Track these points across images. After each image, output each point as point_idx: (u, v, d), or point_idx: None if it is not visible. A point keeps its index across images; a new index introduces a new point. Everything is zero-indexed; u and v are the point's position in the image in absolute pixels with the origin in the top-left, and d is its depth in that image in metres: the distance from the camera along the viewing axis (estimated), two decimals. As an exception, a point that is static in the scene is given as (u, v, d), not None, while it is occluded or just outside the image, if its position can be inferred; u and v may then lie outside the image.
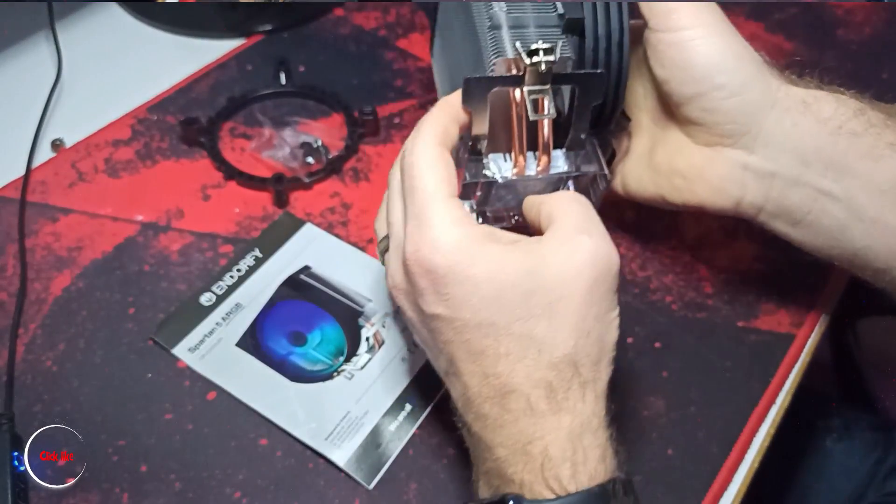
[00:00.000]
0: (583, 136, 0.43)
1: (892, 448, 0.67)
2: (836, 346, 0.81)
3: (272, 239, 0.56)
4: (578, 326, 0.36)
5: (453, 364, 0.37)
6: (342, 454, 0.46)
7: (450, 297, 0.36)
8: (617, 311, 0.38)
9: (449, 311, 0.36)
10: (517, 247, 0.37)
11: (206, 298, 0.53)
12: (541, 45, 0.39)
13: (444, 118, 0.39)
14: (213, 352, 0.50)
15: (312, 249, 0.56)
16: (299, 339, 0.51)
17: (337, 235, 0.57)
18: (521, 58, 0.39)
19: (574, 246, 0.36)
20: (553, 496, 0.35)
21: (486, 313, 0.36)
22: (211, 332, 0.51)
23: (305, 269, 0.55)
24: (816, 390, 0.61)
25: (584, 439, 0.36)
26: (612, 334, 0.38)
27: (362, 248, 0.56)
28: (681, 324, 0.52)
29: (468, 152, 0.42)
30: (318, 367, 0.50)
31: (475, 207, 0.45)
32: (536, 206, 0.40)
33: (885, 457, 0.67)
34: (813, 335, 0.52)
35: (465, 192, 0.42)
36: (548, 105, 0.40)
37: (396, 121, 0.65)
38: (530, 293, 0.36)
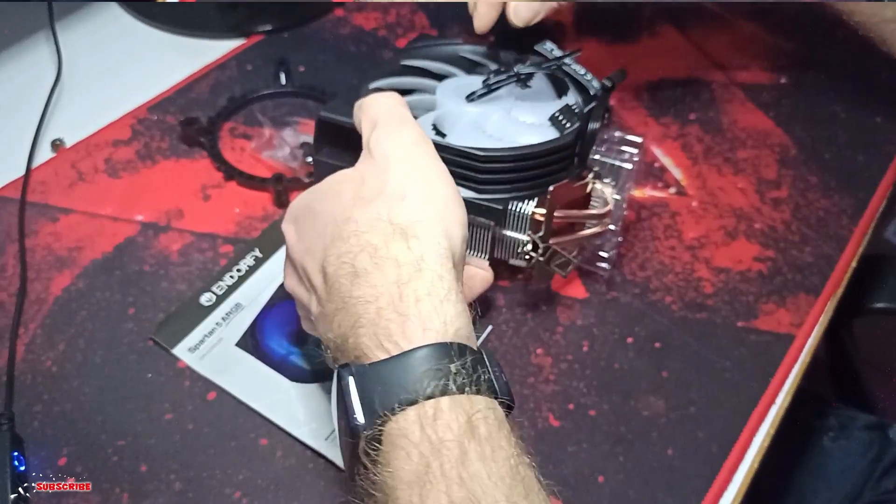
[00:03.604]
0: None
1: (888, 447, 0.68)
2: (833, 345, 0.81)
3: (272, 239, 0.56)
4: (387, 193, 0.38)
5: (314, 260, 0.38)
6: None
7: (311, 210, 0.40)
8: (443, 178, 0.40)
9: (309, 219, 0.40)
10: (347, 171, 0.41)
11: (206, 298, 0.53)
12: None
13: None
14: (213, 352, 0.50)
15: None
16: (299, 340, 0.51)
17: (337, 235, 0.57)
18: None
19: (385, 148, 0.40)
20: (387, 356, 0.33)
21: (347, 209, 0.38)
22: (211, 332, 0.51)
23: (305, 269, 0.55)
24: (813, 390, 0.61)
25: (414, 287, 0.34)
26: (437, 194, 0.39)
27: (362, 248, 0.56)
28: (681, 324, 0.52)
29: None
30: (318, 368, 0.50)
31: None
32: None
33: (881, 456, 0.67)
34: (813, 335, 0.52)
35: None
36: None
37: (396, 121, 0.65)
38: (348, 191, 0.39)
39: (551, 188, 0.47)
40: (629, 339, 0.52)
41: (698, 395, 0.49)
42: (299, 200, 0.41)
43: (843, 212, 0.59)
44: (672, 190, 0.61)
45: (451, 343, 0.33)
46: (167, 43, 0.72)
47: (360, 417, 0.33)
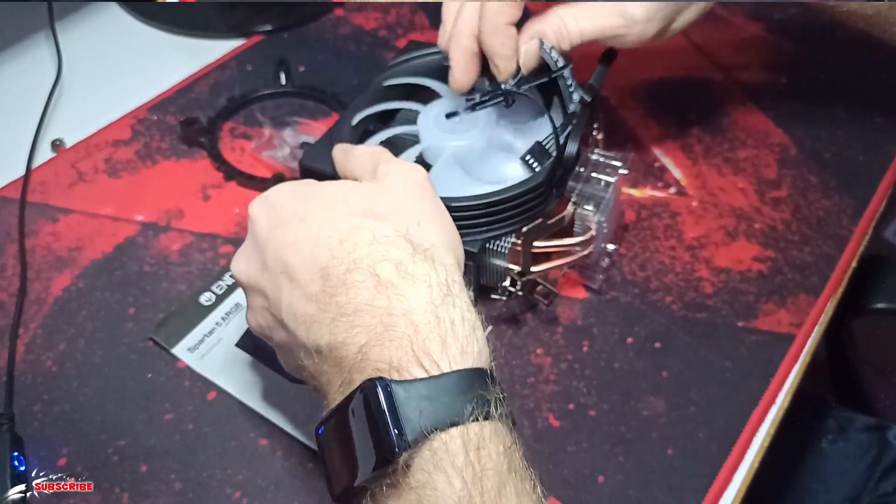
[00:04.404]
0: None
1: (886, 449, 0.68)
2: (833, 345, 0.81)
3: (272, 239, 0.56)
4: (406, 217, 0.38)
5: (291, 282, 0.36)
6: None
7: (295, 213, 0.39)
8: (447, 215, 0.40)
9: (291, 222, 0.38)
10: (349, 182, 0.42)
11: (205, 298, 0.53)
12: None
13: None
14: (213, 352, 0.50)
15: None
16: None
17: (337, 235, 0.57)
18: None
19: (397, 173, 0.40)
20: (425, 374, 0.32)
21: (348, 219, 0.37)
22: (211, 332, 0.51)
23: (305, 269, 0.55)
24: (812, 391, 0.61)
25: (449, 310, 0.34)
26: (447, 225, 0.39)
27: (362, 248, 0.56)
28: (681, 324, 0.52)
29: None
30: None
31: None
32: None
33: (879, 458, 0.67)
34: (812, 335, 0.52)
35: None
36: None
37: (396, 121, 0.65)
38: (353, 199, 0.39)
39: (524, 230, 0.47)
40: (629, 339, 0.52)
41: (698, 395, 0.49)
42: (283, 189, 0.41)
43: (843, 212, 0.59)
44: (672, 190, 0.61)
45: (488, 370, 0.33)
46: (167, 43, 0.72)
47: (407, 434, 0.31)
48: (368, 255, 0.35)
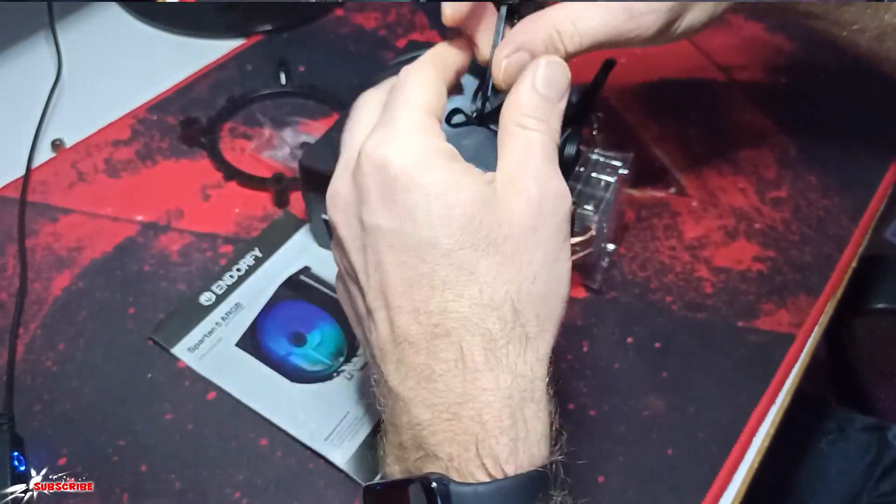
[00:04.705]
0: None
1: (886, 449, 0.67)
2: (833, 345, 0.81)
3: (272, 239, 0.56)
4: (523, 269, 0.33)
5: (381, 294, 0.33)
6: (342, 454, 0.46)
7: (396, 203, 0.32)
8: (568, 263, 0.34)
9: (391, 220, 0.32)
10: (474, 173, 0.34)
11: (205, 298, 0.53)
12: None
13: (447, 54, 0.39)
14: (213, 352, 0.50)
15: (312, 250, 0.56)
16: (299, 340, 0.51)
17: (337, 235, 0.57)
18: None
19: (518, 188, 0.33)
20: (488, 478, 0.30)
21: (429, 231, 0.32)
22: (211, 332, 0.51)
23: (305, 270, 0.55)
24: (812, 392, 0.61)
25: (526, 408, 0.31)
26: (561, 285, 0.34)
27: (362, 248, 0.56)
28: (681, 324, 0.52)
29: None
30: (317, 368, 0.50)
31: None
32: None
33: (879, 458, 0.67)
34: (813, 335, 0.52)
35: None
36: None
37: (396, 121, 0.65)
38: (479, 222, 0.32)
39: None
40: (629, 339, 0.52)
41: (698, 395, 0.49)
42: (398, 172, 0.32)
43: (843, 212, 0.59)
44: (672, 190, 0.61)
45: (552, 470, 0.32)
46: (167, 43, 0.72)
47: None
48: (462, 322, 0.32)
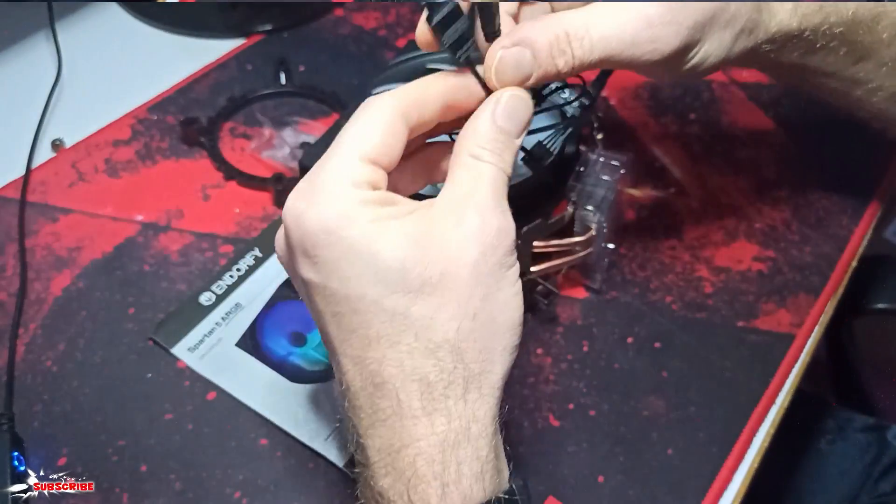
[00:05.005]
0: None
1: (885, 449, 0.67)
2: (833, 345, 0.81)
3: (272, 239, 0.56)
4: (462, 306, 0.32)
5: (328, 341, 0.34)
6: (342, 454, 0.46)
7: (319, 259, 0.32)
8: (514, 290, 0.33)
9: (319, 277, 0.32)
10: (407, 214, 0.33)
11: (205, 298, 0.53)
12: None
13: (417, 93, 0.35)
14: (213, 352, 0.50)
15: (312, 249, 0.56)
16: (299, 340, 0.51)
17: (337, 235, 0.57)
18: None
19: (458, 218, 0.32)
20: None
21: (357, 283, 0.31)
22: (210, 332, 0.51)
23: (305, 269, 0.55)
24: (811, 392, 0.61)
25: (460, 450, 0.31)
26: (508, 316, 0.33)
27: (362, 248, 0.56)
28: (681, 324, 0.52)
29: None
30: (317, 368, 0.50)
31: None
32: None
33: (878, 458, 0.67)
34: (813, 335, 0.52)
35: None
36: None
37: (396, 121, 0.65)
38: (409, 265, 0.31)
39: (523, 230, 0.46)
40: (629, 339, 0.52)
41: (698, 395, 0.49)
42: (316, 229, 0.32)
43: (843, 212, 0.59)
44: (672, 190, 0.61)
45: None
46: (167, 43, 0.72)
47: None
48: (399, 369, 0.32)
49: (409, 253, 0.31)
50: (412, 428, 0.31)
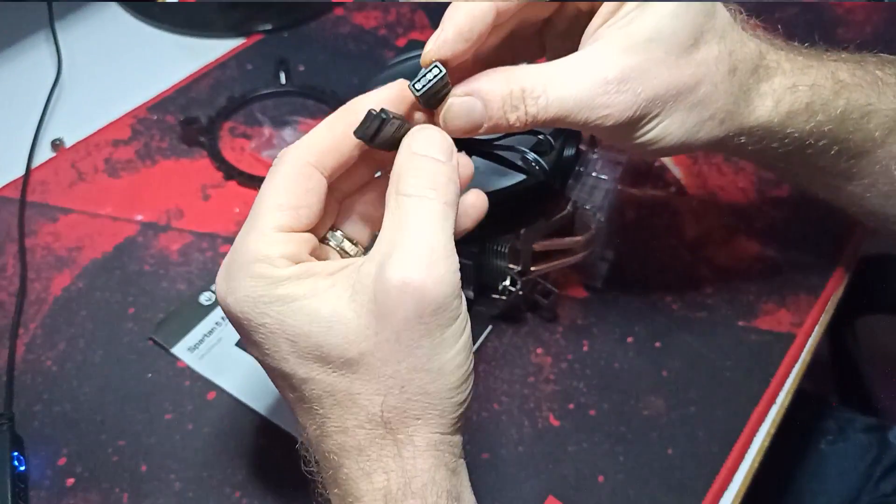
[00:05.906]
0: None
1: (886, 450, 0.67)
2: (834, 345, 0.81)
3: (272, 239, 0.56)
4: (384, 383, 0.31)
5: (285, 400, 0.35)
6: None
7: (250, 339, 0.33)
8: (453, 351, 0.32)
9: (256, 352, 0.33)
10: (327, 289, 0.32)
11: (205, 298, 0.53)
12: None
13: (326, 136, 0.34)
14: (213, 351, 0.50)
15: (312, 249, 0.56)
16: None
17: (337, 235, 0.57)
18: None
19: (380, 288, 0.30)
20: None
21: (284, 363, 0.32)
22: (210, 332, 0.51)
23: (305, 269, 0.55)
24: (811, 392, 0.61)
25: (407, 502, 0.31)
26: (444, 381, 0.32)
27: (362, 248, 0.56)
28: (681, 324, 0.52)
29: None
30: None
31: None
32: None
33: (879, 458, 0.67)
34: (813, 335, 0.52)
35: None
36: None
37: (396, 120, 0.65)
38: (326, 350, 0.31)
39: (524, 230, 0.46)
40: (629, 339, 0.52)
41: (698, 395, 0.49)
42: (236, 313, 0.32)
43: (843, 211, 0.59)
44: (672, 190, 0.61)
45: None
46: (167, 43, 0.72)
47: None
48: (335, 443, 0.32)
49: (326, 337, 0.31)
50: (355, 486, 0.32)
